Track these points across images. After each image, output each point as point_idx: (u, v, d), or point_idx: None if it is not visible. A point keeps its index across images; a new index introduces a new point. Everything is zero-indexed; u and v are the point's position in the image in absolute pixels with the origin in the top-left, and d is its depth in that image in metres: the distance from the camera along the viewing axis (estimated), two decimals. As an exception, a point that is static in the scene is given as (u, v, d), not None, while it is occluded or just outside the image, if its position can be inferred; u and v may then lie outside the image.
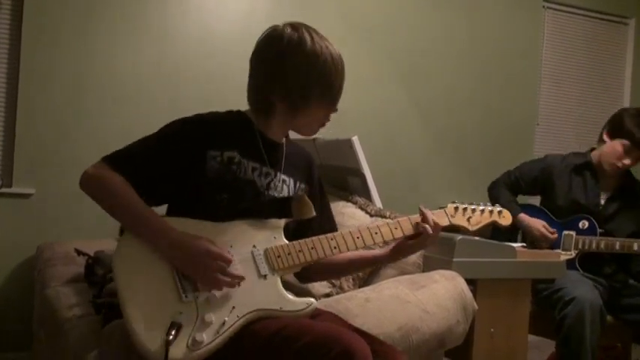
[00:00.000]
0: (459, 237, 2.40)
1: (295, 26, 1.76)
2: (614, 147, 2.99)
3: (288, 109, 1.77)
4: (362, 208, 2.65)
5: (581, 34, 4.76)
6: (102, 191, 1.65)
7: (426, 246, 1.84)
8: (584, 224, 2.99)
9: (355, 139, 2.67)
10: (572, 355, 2.65)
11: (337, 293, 2.35)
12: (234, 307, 1.60)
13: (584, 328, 2.63)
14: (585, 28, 4.77)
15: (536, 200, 3.31)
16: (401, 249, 1.85)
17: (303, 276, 1.93)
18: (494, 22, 4.39)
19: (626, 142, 2.95)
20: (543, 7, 4.56)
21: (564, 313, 2.68)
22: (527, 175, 3.20)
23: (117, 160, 1.67)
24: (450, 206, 1.88)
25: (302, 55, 1.71)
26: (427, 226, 1.78)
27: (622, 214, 3.03)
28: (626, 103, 4.91)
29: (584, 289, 2.73)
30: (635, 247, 2.85)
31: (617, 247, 2.89)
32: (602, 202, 3.05)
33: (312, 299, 1.70)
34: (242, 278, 1.63)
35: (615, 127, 3.01)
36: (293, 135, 1.96)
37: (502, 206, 3.05)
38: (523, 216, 3.07)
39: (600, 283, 2.90)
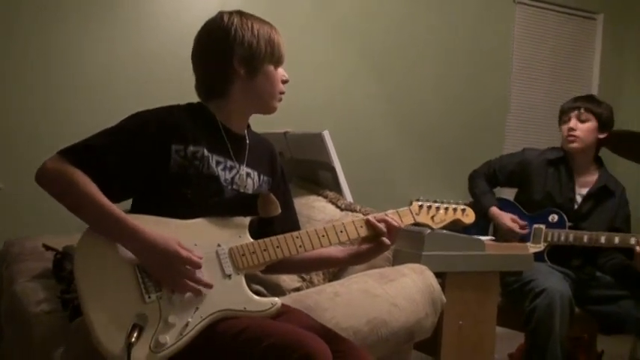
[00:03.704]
0: (428, 231, 2.42)
1: (228, 12, 1.82)
2: (560, 129, 3.13)
3: (245, 77, 1.78)
4: (332, 202, 2.65)
5: (551, 29, 4.82)
6: (63, 187, 1.59)
7: (385, 250, 1.86)
8: (553, 218, 3.03)
9: (326, 133, 2.67)
10: (541, 345, 2.69)
11: (307, 287, 2.36)
12: (197, 308, 1.59)
13: (553, 319, 2.67)
14: (555, 23, 4.83)
15: (512, 192, 3.34)
16: (360, 255, 1.86)
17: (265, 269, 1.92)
18: (466, 17, 4.42)
19: (561, 119, 3.13)
20: (514, 1, 4.61)
21: (534, 305, 2.71)
22: (504, 168, 3.25)
23: (76, 154, 1.62)
24: (415, 204, 1.90)
25: (243, 22, 1.78)
26: (384, 238, 1.79)
27: (595, 214, 3.06)
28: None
29: (554, 281, 2.77)
30: (602, 240, 2.89)
31: (585, 240, 2.92)
32: (578, 197, 3.08)
33: (277, 299, 1.71)
34: (210, 286, 1.62)
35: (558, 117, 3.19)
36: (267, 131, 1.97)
37: (477, 197, 3.17)
38: (494, 210, 3.11)
39: (568, 275, 2.95)
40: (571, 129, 3.04)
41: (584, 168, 3.12)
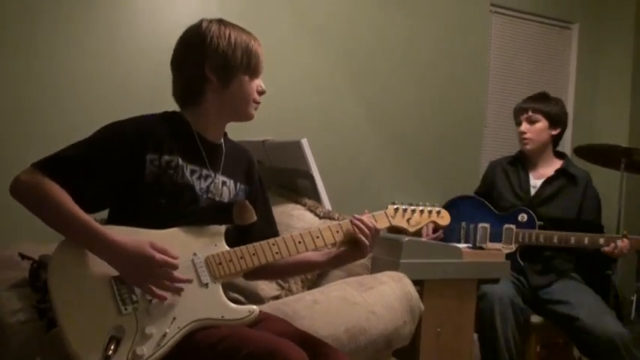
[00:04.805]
0: (406, 238, 2.44)
1: (209, 19, 1.82)
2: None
3: (218, 85, 1.77)
4: (311, 210, 2.66)
5: (528, 38, 4.87)
6: (37, 199, 1.59)
7: (364, 253, 1.86)
8: (522, 217, 3.09)
9: (304, 141, 2.68)
10: (489, 346, 2.79)
11: (286, 295, 2.36)
12: (174, 318, 1.59)
13: (494, 319, 2.78)
14: (531, 33, 4.88)
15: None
16: (340, 257, 1.87)
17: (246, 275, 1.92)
18: (443, 25, 4.44)
19: (515, 121, 3.28)
20: (490, 11, 4.65)
21: (480, 309, 2.80)
22: (482, 183, 3.46)
23: (50, 167, 1.61)
24: (390, 207, 1.92)
25: (221, 30, 1.78)
26: (363, 237, 1.81)
27: (557, 198, 3.15)
28: (570, 104, 5.03)
29: (494, 285, 2.85)
30: (572, 240, 2.95)
31: (555, 240, 2.98)
32: (536, 184, 3.20)
33: (254, 307, 1.71)
34: (189, 281, 1.62)
35: None
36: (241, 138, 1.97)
37: None
38: None
39: (521, 282, 3.02)
40: (522, 132, 3.21)
41: (541, 162, 3.25)
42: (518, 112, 3.26)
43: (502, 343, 2.77)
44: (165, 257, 1.59)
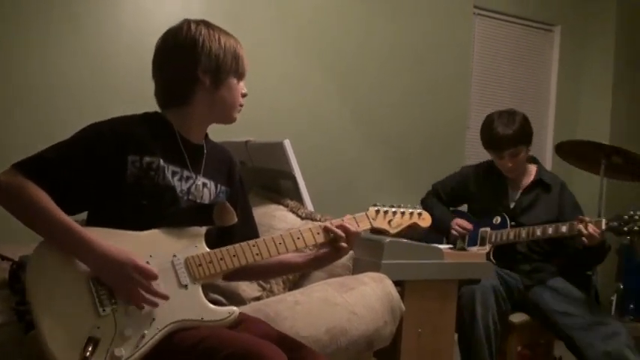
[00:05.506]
0: (388, 239, 2.44)
1: (193, 21, 1.83)
2: (490, 154, 3.17)
3: (210, 88, 1.78)
4: (293, 212, 2.66)
5: (510, 40, 4.91)
6: (17, 200, 1.58)
7: (344, 255, 1.88)
8: (497, 220, 3.12)
9: (287, 142, 2.68)
10: (466, 329, 2.79)
11: (267, 296, 2.36)
12: (153, 320, 1.59)
13: (474, 305, 2.78)
14: (514, 35, 4.92)
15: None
16: (320, 259, 1.88)
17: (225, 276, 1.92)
18: (426, 26, 4.47)
19: (490, 152, 3.15)
20: (474, 13, 4.68)
21: (459, 295, 2.75)
22: (446, 186, 3.39)
23: (31, 167, 1.61)
24: (372, 209, 1.92)
25: (211, 33, 1.79)
26: (343, 243, 1.82)
27: (535, 207, 3.15)
28: (552, 106, 5.09)
29: None
30: (538, 232, 2.96)
31: (524, 234, 3.00)
32: (513, 196, 3.19)
33: (235, 308, 1.71)
34: (166, 298, 1.61)
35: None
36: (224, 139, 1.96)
37: (438, 216, 3.21)
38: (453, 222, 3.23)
39: (512, 278, 3.03)
40: (509, 166, 3.11)
41: (519, 174, 3.21)
42: (499, 148, 3.07)
43: (481, 330, 2.77)
44: (146, 266, 1.58)
